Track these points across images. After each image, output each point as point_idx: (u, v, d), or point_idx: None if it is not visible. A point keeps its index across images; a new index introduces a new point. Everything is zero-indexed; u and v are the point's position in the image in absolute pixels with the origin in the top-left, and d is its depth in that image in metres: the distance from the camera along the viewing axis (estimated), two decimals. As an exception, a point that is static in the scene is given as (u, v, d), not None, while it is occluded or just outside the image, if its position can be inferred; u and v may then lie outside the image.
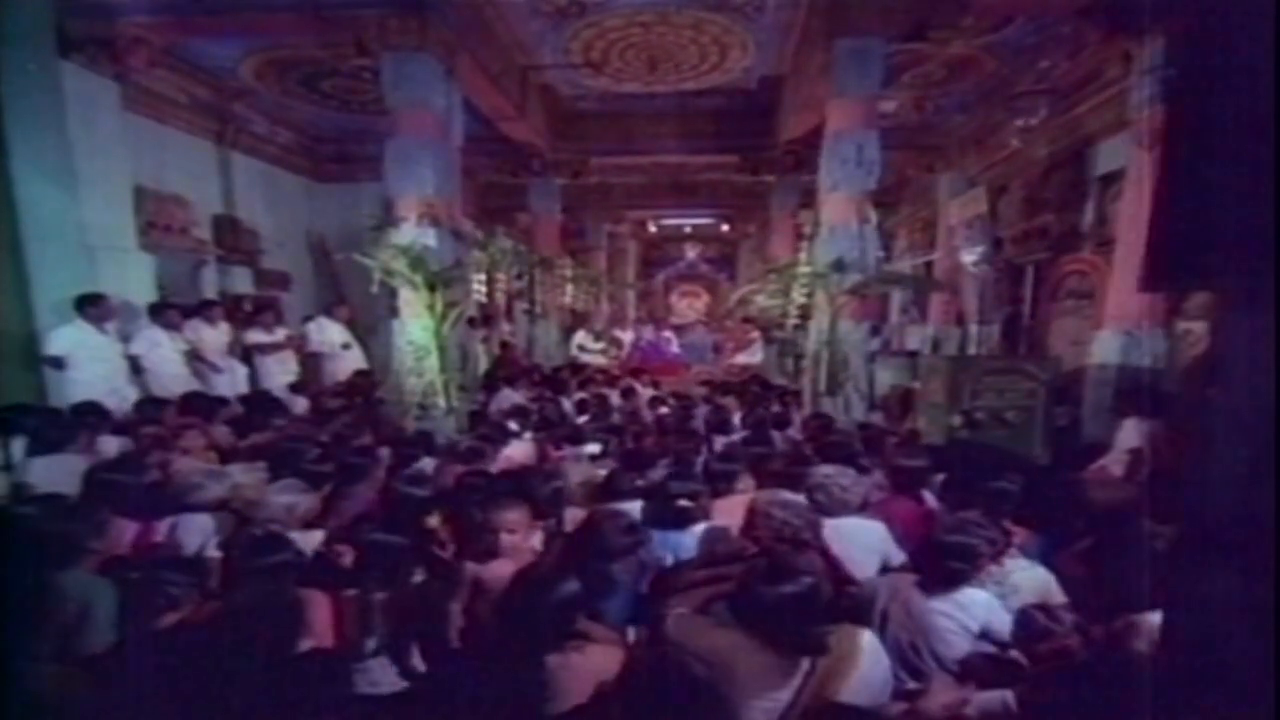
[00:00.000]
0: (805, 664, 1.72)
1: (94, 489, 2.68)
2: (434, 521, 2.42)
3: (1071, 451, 4.75)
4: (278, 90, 7.86)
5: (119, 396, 5.29)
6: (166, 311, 5.88)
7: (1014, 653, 1.97)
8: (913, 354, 9.09)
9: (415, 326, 5.47)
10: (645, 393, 7.18)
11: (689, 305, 19.84)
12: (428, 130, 5.51)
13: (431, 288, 5.25)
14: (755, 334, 10.24)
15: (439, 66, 5.51)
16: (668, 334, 11.74)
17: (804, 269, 6.04)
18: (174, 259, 7.16)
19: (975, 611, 2.09)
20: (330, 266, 10.08)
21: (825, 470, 2.71)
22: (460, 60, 5.91)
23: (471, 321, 5.90)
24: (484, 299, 6.46)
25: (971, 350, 7.91)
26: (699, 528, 2.55)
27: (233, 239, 8.09)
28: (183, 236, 7.37)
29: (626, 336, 11.59)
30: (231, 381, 6.46)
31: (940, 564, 2.11)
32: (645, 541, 2.20)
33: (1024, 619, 1.92)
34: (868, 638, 1.85)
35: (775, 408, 5.90)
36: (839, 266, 5.08)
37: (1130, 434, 4.43)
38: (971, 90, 7.73)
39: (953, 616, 2.06)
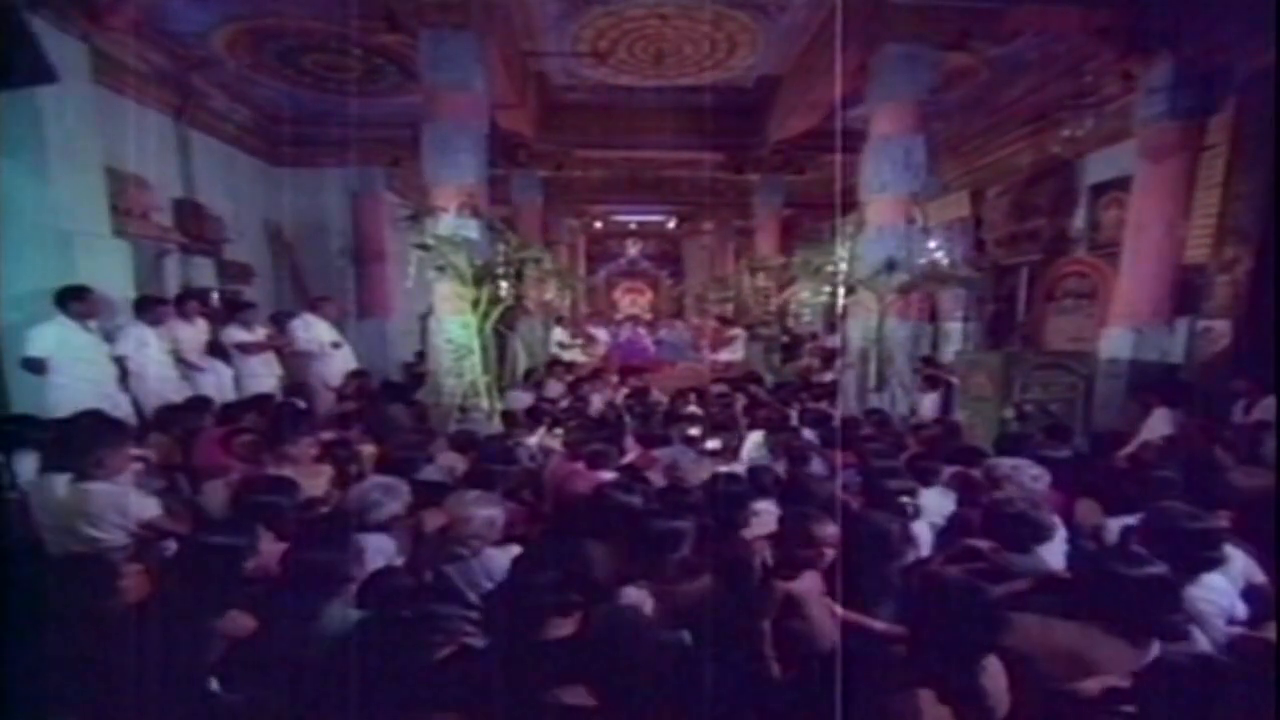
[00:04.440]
0: (1156, 649, 1.74)
1: (245, 511, 2.34)
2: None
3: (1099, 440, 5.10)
4: (248, 62, 7.12)
5: (112, 403, 4.64)
6: (155, 307, 5.22)
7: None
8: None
9: (454, 324, 5.13)
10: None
11: (632, 301, 19.86)
12: (466, 114, 5.18)
13: (478, 282, 4.94)
14: (736, 331, 10.36)
15: (477, 46, 5.18)
16: (642, 330, 11.66)
17: (830, 268, 6.14)
18: (135, 248, 6.32)
19: (1223, 593, 2.20)
20: (291, 258, 9.32)
21: (1010, 461, 2.76)
22: (488, 42, 5.59)
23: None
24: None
25: (955, 347, 8.32)
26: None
27: (196, 226, 7.26)
28: (144, 222, 6.55)
29: (600, 334, 11.41)
30: (218, 384, 5.83)
31: (1193, 552, 2.19)
32: (917, 542, 2.16)
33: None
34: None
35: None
36: (890, 266, 5.21)
37: (1162, 422, 4.82)
38: (957, 100, 8.14)
39: (1211, 601, 2.16)
